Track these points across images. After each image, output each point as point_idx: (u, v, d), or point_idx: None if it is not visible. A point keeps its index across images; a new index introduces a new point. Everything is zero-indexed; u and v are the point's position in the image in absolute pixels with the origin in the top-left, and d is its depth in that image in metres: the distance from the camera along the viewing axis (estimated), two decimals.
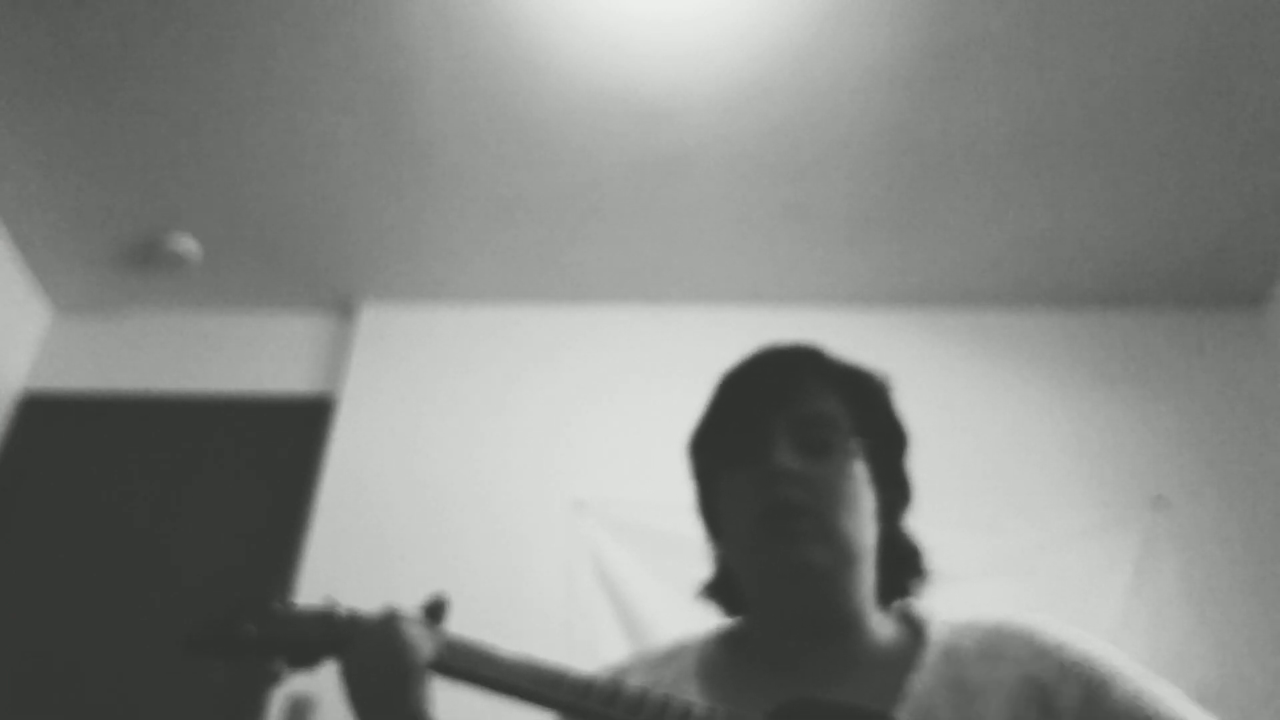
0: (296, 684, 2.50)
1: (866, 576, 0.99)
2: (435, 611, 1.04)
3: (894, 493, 1.04)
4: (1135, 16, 2.41)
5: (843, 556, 0.96)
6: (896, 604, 1.03)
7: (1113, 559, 2.67)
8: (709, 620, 1.09)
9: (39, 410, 3.16)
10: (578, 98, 2.65)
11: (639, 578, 2.68)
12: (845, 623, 0.98)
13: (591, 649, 2.51)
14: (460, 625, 1.03)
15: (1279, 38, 2.42)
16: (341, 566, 2.73)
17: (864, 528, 0.98)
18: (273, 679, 1.05)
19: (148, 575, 2.85)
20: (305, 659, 1.04)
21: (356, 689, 0.97)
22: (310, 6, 2.47)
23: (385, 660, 0.97)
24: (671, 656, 1.05)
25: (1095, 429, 2.91)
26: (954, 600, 1.02)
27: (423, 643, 0.98)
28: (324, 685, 2.43)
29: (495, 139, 2.76)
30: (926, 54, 2.50)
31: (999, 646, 0.93)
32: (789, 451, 0.97)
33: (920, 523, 1.07)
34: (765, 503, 0.96)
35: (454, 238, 3.04)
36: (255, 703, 2.57)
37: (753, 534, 0.97)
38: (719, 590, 1.07)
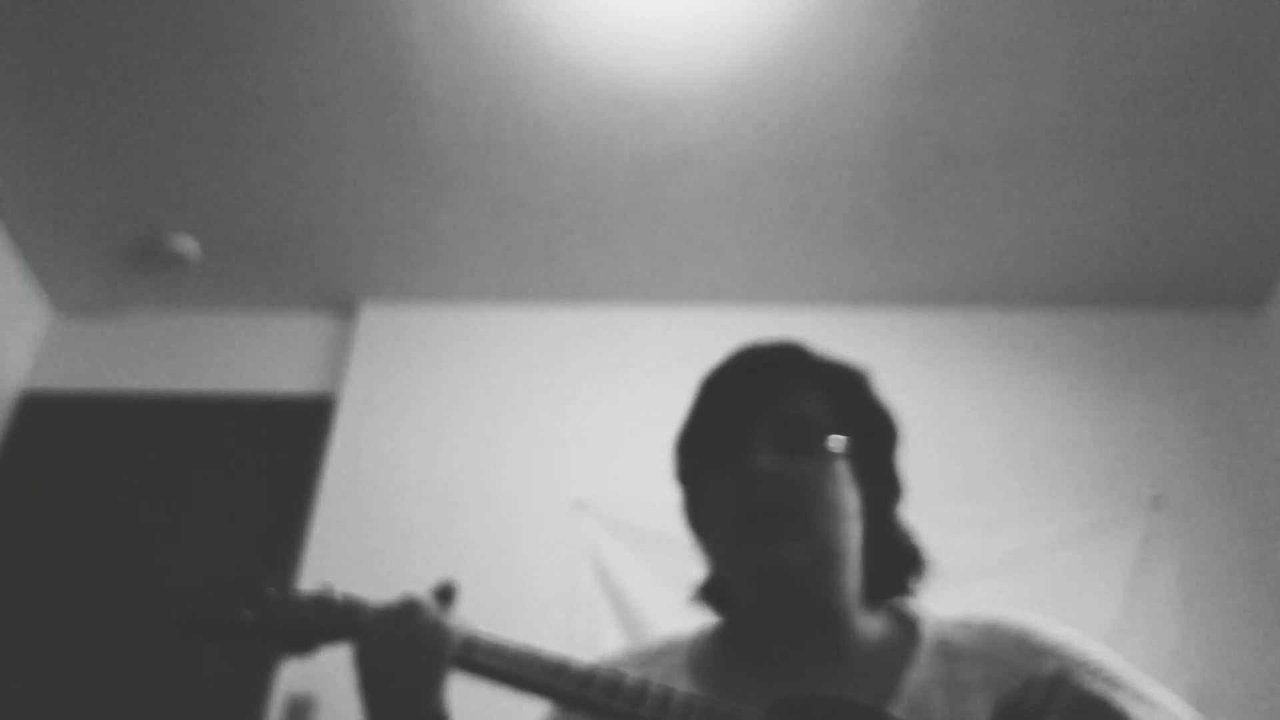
0: (297, 684, 2.50)
1: (850, 575, 0.98)
2: (445, 596, 1.01)
3: (883, 489, 1.04)
4: (1135, 17, 2.41)
5: (822, 556, 0.96)
6: (888, 602, 1.03)
7: (1111, 559, 2.67)
8: (707, 619, 1.09)
9: (39, 410, 3.16)
10: (578, 97, 2.65)
11: (639, 577, 2.68)
12: (830, 621, 0.98)
13: (591, 648, 2.50)
14: None
15: (1279, 38, 2.43)
16: (342, 566, 2.73)
17: (845, 528, 0.98)
18: (270, 660, 1.03)
19: (147, 575, 2.85)
20: (302, 644, 1.01)
21: (375, 679, 0.94)
22: (310, 7, 2.47)
23: (412, 654, 0.93)
24: (662, 652, 1.05)
25: (1094, 429, 2.91)
26: (953, 600, 1.02)
27: (450, 638, 0.95)
28: (324, 685, 2.45)
29: (495, 139, 2.76)
30: (927, 54, 2.51)
31: (993, 645, 0.93)
32: (769, 452, 0.97)
33: (919, 522, 1.07)
34: (745, 504, 0.96)
35: (454, 238, 3.04)
36: (256, 703, 2.57)
37: (733, 535, 0.98)
38: (711, 594, 1.07)
